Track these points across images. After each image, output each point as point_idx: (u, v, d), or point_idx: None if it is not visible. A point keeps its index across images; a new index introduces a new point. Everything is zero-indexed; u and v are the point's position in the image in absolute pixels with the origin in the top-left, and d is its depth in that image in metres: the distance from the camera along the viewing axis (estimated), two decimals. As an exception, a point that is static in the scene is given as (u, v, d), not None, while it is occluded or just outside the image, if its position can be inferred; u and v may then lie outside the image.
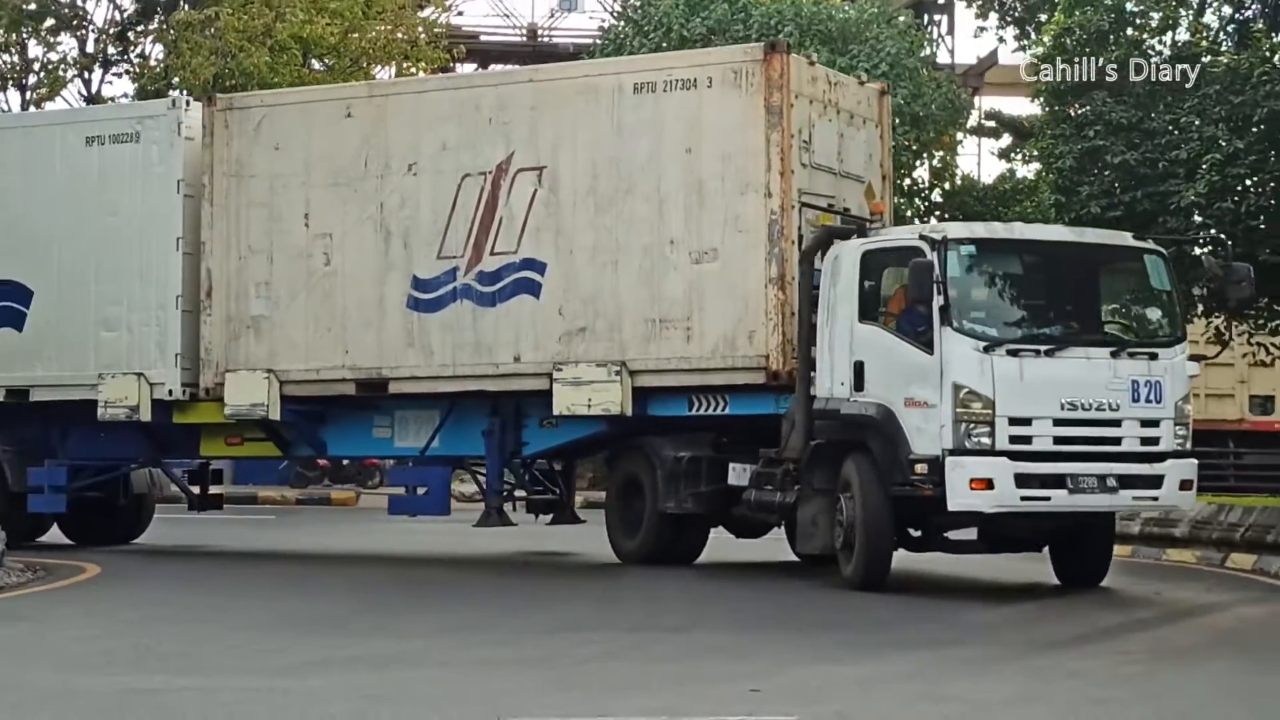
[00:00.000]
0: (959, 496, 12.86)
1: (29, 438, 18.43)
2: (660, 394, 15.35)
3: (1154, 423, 13.25)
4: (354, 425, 17.39)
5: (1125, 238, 14.32)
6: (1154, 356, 13.30)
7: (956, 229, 13.93)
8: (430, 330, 15.98)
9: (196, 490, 19.64)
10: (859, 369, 13.56)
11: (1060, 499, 13.01)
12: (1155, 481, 13.24)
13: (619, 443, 16.15)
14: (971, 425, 12.84)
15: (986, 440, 12.82)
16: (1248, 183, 19.22)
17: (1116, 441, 13.16)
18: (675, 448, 15.48)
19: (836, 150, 15.35)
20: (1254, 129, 19.21)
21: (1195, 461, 13.57)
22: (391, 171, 16.26)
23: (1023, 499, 12.92)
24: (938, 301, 12.88)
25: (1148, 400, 13.17)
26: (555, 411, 15.47)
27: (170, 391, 17.27)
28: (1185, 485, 13.39)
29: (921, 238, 13.35)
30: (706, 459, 15.35)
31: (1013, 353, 12.99)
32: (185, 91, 25.57)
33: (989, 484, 12.79)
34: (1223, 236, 14.41)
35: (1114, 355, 13.20)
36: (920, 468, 12.98)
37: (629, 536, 15.93)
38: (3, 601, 13.56)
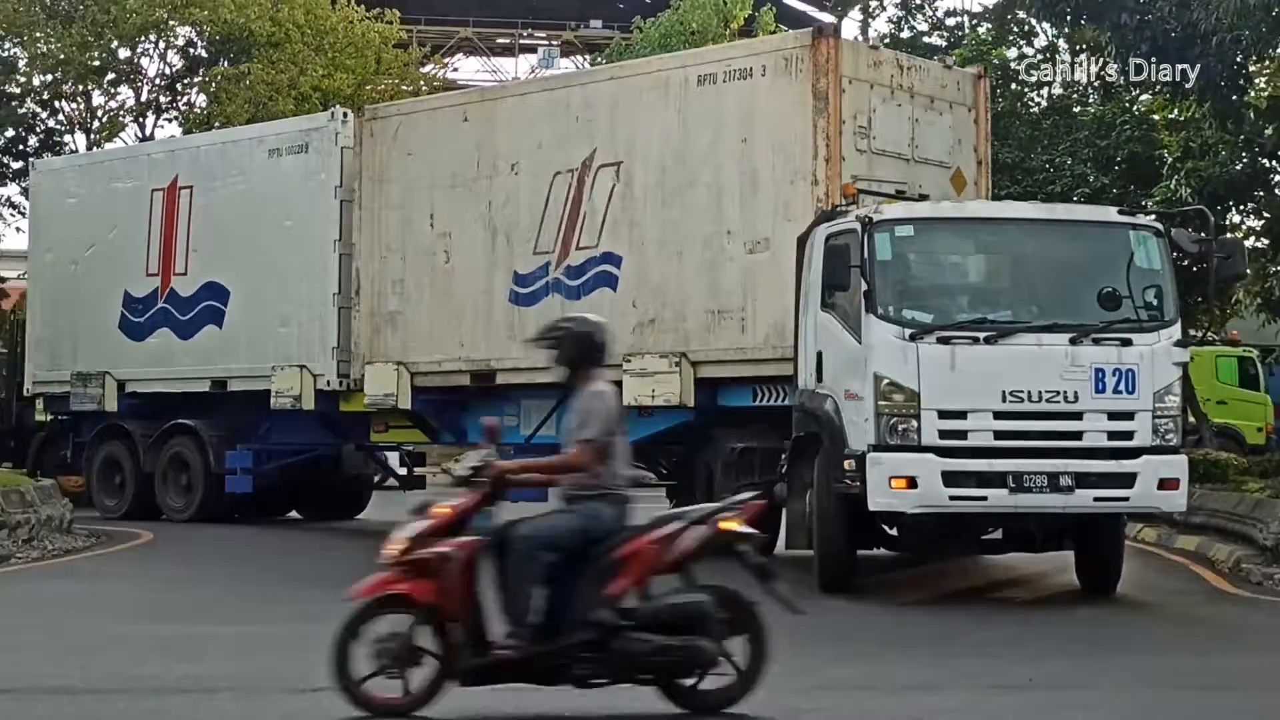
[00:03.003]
0: (879, 495, 12.71)
1: (232, 424, 22.14)
2: (729, 385, 16.61)
3: (1126, 415, 12.84)
4: (489, 414, 18.80)
5: (1108, 213, 14.20)
6: (1126, 343, 12.88)
7: (893, 209, 13.89)
8: (528, 323, 17.45)
9: (404, 471, 23.08)
10: (819, 360, 13.78)
11: (999, 499, 12.67)
12: (1126, 480, 12.78)
13: (700, 433, 16.98)
14: (894, 419, 12.68)
15: (912, 435, 12.66)
16: (1113, 214, 24.82)
17: (1075, 436, 12.79)
18: (734, 439, 15.92)
19: (909, 135, 16.44)
20: (1116, 167, 25.74)
21: (1184, 458, 13.11)
22: (498, 172, 18.60)
23: (952, 499, 12.65)
24: (863, 287, 12.87)
25: (1116, 390, 12.76)
26: (624, 403, 16.55)
27: (328, 382, 20.49)
28: (1168, 484, 12.89)
29: (856, 219, 13.30)
30: (761, 450, 15.47)
31: (944, 340, 12.73)
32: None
33: (911, 482, 12.60)
34: (1204, 209, 14.78)
35: (1073, 342, 12.79)
36: (849, 464, 12.94)
37: None
38: (68, 562, 16.76)
